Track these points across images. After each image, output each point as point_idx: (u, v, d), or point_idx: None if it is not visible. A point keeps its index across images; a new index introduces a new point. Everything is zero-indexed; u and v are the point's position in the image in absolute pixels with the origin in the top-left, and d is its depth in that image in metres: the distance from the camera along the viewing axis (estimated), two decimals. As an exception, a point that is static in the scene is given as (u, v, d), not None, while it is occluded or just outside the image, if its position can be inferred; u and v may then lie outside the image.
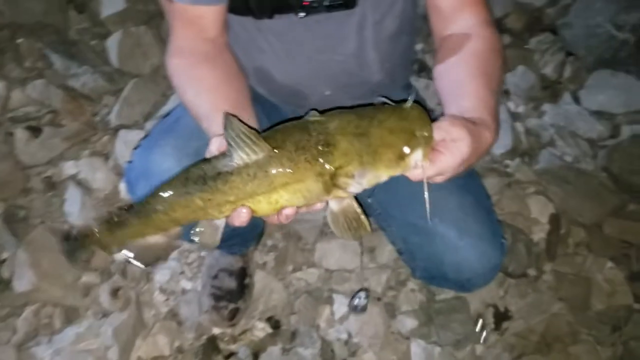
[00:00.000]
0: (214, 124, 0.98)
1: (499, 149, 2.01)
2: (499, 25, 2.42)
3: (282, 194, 0.83)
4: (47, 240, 1.69)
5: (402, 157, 0.84)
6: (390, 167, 0.84)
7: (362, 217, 0.90)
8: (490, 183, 1.91)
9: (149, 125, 2.01)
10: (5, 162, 1.86)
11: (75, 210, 1.77)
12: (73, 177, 1.89)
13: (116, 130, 2.00)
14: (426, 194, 0.87)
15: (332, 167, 0.82)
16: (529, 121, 2.13)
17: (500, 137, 1.95)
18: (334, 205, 0.90)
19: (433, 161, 0.86)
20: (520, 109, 2.17)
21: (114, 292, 1.64)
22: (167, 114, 1.36)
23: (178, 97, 1.14)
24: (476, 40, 1.11)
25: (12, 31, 2.18)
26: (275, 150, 0.80)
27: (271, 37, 1.21)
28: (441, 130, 0.86)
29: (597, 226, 1.87)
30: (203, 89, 1.08)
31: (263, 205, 0.84)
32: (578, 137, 2.08)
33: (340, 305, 1.65)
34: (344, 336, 1.60)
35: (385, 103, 0.89)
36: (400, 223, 1.31)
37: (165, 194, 0.86)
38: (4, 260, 1.70)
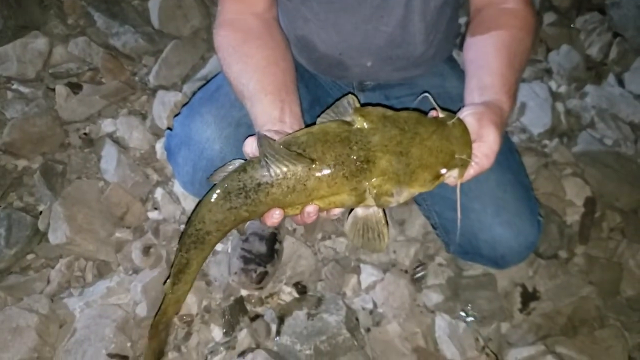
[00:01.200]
0: (257, 106, 1.00)
1: (537, 129, 1.98)
2: (545, 2, 2.36)
3: (317, 203, 0.86)
4: (82, 195, 1.72)
5: (438, 176, 0.87)
6: (425, 186, 0.87)
7: (385, 229, 0.90)
8: (527, 162, 1.88)
9: (186, 87, 2.02)
10: (45, 116, 1.89)
11: (111, 168, 1.80)
12: (110, 135, 1.92)
13: (154, 90, 2.02)
14: (458, 201, 0.91)
15: (368, 183, 0.84)
16: (570, 102, 2.09)
17: (539, 116, 1.97)
18: (360, 210, 0.90)
19: (468, 172, 0.90)
20: (562, 89, 2.12)
21: (146, 250, 1.67)
22: (208, 81, 1.36)
23: (222, 70, 1.13)
24: (509, 16, 1.10)
25: (57, -10, 2.21)
26: (314, 164, 0.82)
27: (316, 6, 1.20)
28: (472, 134, 0.89)
29: (633, 212, 1.84)
30: (250, 68, 1.07)
31: (297, 211, 0.88)
32: (620, 121, 2.03)
33: (367, 275, 1.65)
34: (369, 306, 1.61)
35: (432, 108, 0.91)
36: (435, 198, 1.31)
37: (214, 215, 0.88)
38: (40, 213, 1.74)
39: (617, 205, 1.84)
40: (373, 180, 0.83)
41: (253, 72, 1.06)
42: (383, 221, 0.90)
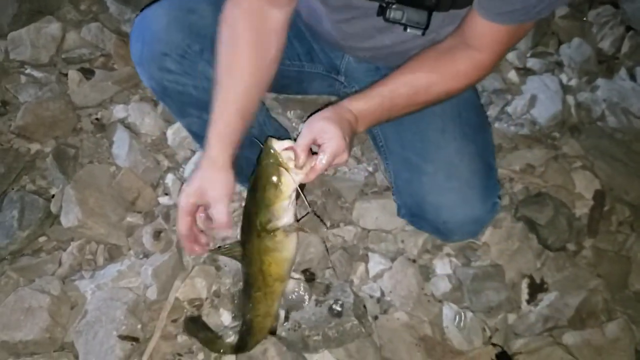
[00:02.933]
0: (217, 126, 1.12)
1: (547, 121, 1.98)
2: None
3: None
4: (94, 180, 1.74)
5: (277, 186, 1.03)
6: (278, 197, 1.04)
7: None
8: (536, 154, 1.89)
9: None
10: (58, 101, 1.90)
11: (123, 153, 1.82)
12: (122, 121, 1.94)
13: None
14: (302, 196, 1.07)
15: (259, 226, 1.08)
16: (581, 95, 2.08)
17: (550, 109, 1.98)
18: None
19: (313, 166, 1.03)
20: (573, 82, 2.12)
21: (156, 234, 1.68)
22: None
23: (217, 38, 1.15)
24: (452, 63, 1.13)
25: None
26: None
27: (335, 15, 1.21)
28: (313, 132, 1.04)
29: (643, 206, 1.84)
30: (229, 77, 1.12)
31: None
32: (631, 115, 2.02)
33: (375, 264, 1.66)
34: (377, 294, 1.62)
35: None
36: (396, 157, 1.34)
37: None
38: (52, 196, 1.75)
39: (626, 199, 1.84)
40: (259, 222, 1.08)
41: (226, 87, 1.12)
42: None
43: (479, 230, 1.32)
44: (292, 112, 1.93)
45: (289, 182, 1.03)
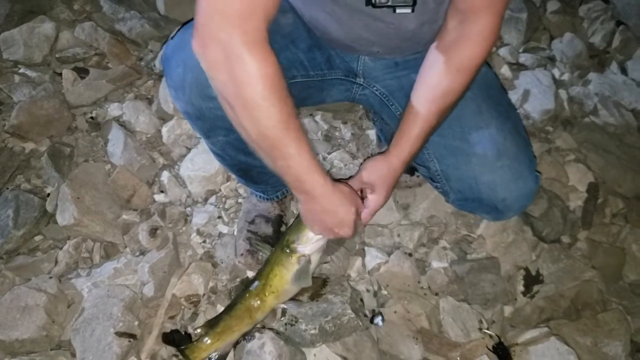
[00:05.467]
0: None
1: (540, 115, 1.99)
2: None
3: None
4: (90, 178, 1.74)
5: (292, 254, 1.30)
6: (290, 263, 1.31)
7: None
8: (530, 148, 1.90)
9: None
10: (52, 100, 1.90)
11: (118, 151, 1.81)
12: (117, 119, 1.94)
13: (160, 75, 2.03)
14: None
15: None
16: (573, 89, 2.10)
17: (543, 103, 1.99)
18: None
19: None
20: (565, 77, 2.13)
21: (152, 232, 1.68)
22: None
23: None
24: (468, 51, 1.15)
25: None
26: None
27: (333, 5, 1.20)
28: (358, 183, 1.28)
29: (636, 198, 1.85)
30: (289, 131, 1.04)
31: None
32: (622, 108, 2.04)
33: (372, 258, 1.67)
34: (374, 288, 1.63)
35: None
36: (436, 146, 1.34)
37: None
38: (48, 195, 1.75)
39: (619, 191, 1.86)
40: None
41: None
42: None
43: (530, 202, 1.35)
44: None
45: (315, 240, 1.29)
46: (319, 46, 1.35)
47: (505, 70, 2.11)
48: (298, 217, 1.27)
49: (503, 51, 2.17)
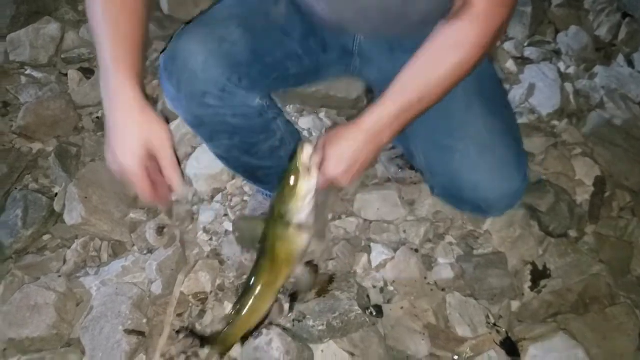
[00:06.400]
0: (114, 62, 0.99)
1: (546, 109, 1.98)
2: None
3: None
4: (97, 177, 1.75)
5: (294, 188, 1.09)
6: (295, 198, 1.10)
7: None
8: (536, 142, 1.89)
9: (197, 70, 2.03)
10: (58, 101, 1.92)
11: (124, 151, 1.82)
12: (123, 119, 1.94)
13: (165, 75, 2.03)
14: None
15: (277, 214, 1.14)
16: (579, 82, 2.09)
17: (549, 97, 1.98)
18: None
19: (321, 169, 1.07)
20: (571, 70, 2.12)
21: (160, 230, 1.69)
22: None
23: None
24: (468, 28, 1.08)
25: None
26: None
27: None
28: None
29: (644, 192, 1.85)
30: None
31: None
32: (629, 100, 2.03)
33: (378, 254, 1.67)
34: (380, 284, 1.63)
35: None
36: (423, 139, 1.31)
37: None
38: (56, 194, 1.76)
39: (627, 185, 1.85)
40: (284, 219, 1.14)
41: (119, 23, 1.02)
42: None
43: (516, 202, 1.30)
44: (291, 106, 1.94)
45: (306, 187, 1.09)
46: (313, 32, 1.33)
47: (510, 65, 2.10)
48: (282, 181, 1.13)
49: (508, 45, 2.16)
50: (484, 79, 1.30)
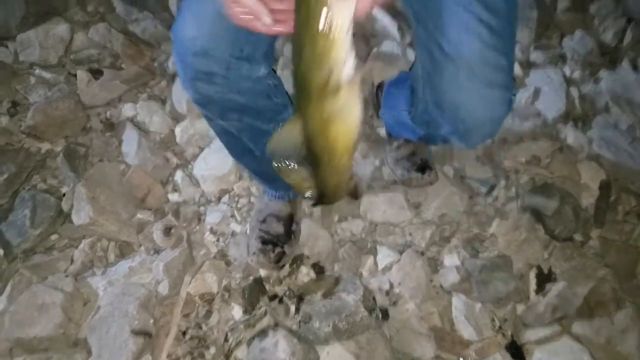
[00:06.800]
0: None
1: (552, 113, 1.99)
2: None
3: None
4: (104, 178, 1.76)
5: (327, 26, 0.75)
6: (330, 38, 0.76)
7: None
8: (542, 146, 1.90)
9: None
10: (67, 101, 1.93)
11: (132, 151, 1.84)
12: (131, 119, 1.95)
13: (173, 76, 2.04)
14: None
15: (317, 91, 0.81)
16: (584, 87, 2.09)
17: (554, 101, 1.99)
18: None
19: None
20: (576, 75, 2.13)
21: (167, 231, 1.70)
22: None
23: None
24: None
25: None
26: None
27: None
28: None
29: (648, 196, 1.85)
30: None
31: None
32: (634, 105, 2.03)
33: (384, 256, 1.68)
34: (386, 286, 1.63)
35: None
36: (421, 44, 1.25)
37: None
38: (64, 194, 1.77)
39: (632, 189, 1.85)
40: None
41: None
42: None
43: (496, 130, 1.25)
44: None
45: (341, 18, 0.76)
46: None
47: (516, 68, 2.11)
48: (295, 61, 0.83)
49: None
50: None
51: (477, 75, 1.15)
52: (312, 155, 0.94)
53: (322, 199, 1.06)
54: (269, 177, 1.59)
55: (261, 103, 1.26)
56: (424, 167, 1.78)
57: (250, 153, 1.41)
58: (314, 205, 1.11)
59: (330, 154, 0.91)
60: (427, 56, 1.22)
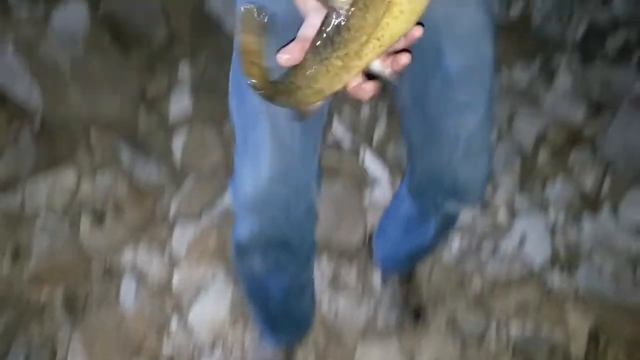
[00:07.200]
0: None
1: (537, 260, 2.06)
2: (540, 137, 2.51)
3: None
4: (101, 325, 1.79)
5: None
6: None
7: None
8: (530, 292, 1.96)
9: (205, 219, 2.13)
10: (70, 247, 1.99)
11: (130, 298, 1.88)
12: (131, 266, 2.01)
13: (174, 222, 2.13)
14: None
15: None
16: (568, 233, 2.18)
17: (539, 247, 2.07)
18: None
19: None
20: (560, 220, 2.22)
21: (161, 380, 1.71)
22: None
23: None
24: None
25: (88, 124, 2.37)
26: None
27: None
28: None
29: (636, 342, 1.88)
30: None
31: (395, 25, 0.75)
32: (616, 252, 2.11)
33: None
34: None
35: None
36: (415, 124, 1.31)
37: (306, 70, 0.78)
38: (59, 342, 1.79)
39: (620, 335, 1.89)
40: None
41: None
42: None
43: (487, 183, 1.33)
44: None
45: None
46: None
47: (501, 216, 2.21)
48: None
49: (498, 196, 2.28)
50: (480, 64, 1.22)
51: (472, 150, 1.24)
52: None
53: (274, 94, 0.88)
54: (273, 323, 1.62)
55: (305, 238, 1.33)
56: (417, 312, 1.84)
57: (267, 299, 1.46)
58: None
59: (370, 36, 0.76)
60: (421, 136, 1.30)
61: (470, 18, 1.15)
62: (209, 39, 2.71)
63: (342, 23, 0.74)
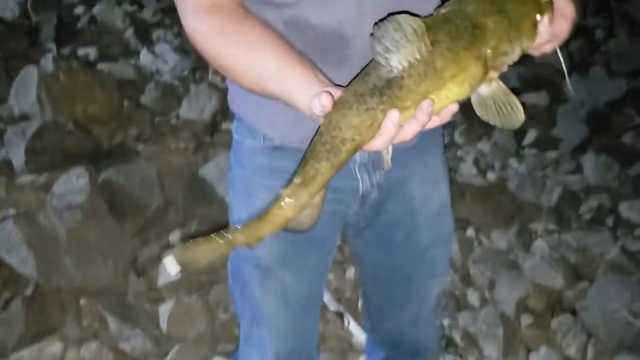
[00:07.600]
0: (291, 80, 0.92)
1: None
2: (521, 305, 2.56)
3: (451, 87, 0.83)
4: None
5: (535, 25, 0.91)
6: (530, 37, 0.90)
7: (515, 98, 0.90)
8: None
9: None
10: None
11: None
12: None
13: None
14: (559, 52, 0.95)
15: (488, 49, 0.85)
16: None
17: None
18: (483, 89, 0.90)
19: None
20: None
21: None
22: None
23: (215, 62, 1.03)
24: None
25: (79, 293, 2.41)
26: (434, 45, 0.80)
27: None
28: None
29: None
30: (259, 46, 0.97)
31: (437, 103, 0.83)
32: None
33: None
34: None
35: None
36: (370, 286, 1.58)
37: (350, 120, 0.81)
38: None
39: None
40: (490, 44, 0.84)
41: (264, 48, 0.96)
42: (509, 91, 0.89)
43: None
44: None
45: (547, 19, 0.93)
46: None
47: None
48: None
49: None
50: (438, 239, 1.45)
51: (432, 312, 1.51)
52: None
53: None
54: None
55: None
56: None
57: None
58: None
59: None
60: (385, 300, 1.51)
61: (441, 196, 1.39)
62: (202, 206, 2.84)
63: (396, 78, 0.79)
